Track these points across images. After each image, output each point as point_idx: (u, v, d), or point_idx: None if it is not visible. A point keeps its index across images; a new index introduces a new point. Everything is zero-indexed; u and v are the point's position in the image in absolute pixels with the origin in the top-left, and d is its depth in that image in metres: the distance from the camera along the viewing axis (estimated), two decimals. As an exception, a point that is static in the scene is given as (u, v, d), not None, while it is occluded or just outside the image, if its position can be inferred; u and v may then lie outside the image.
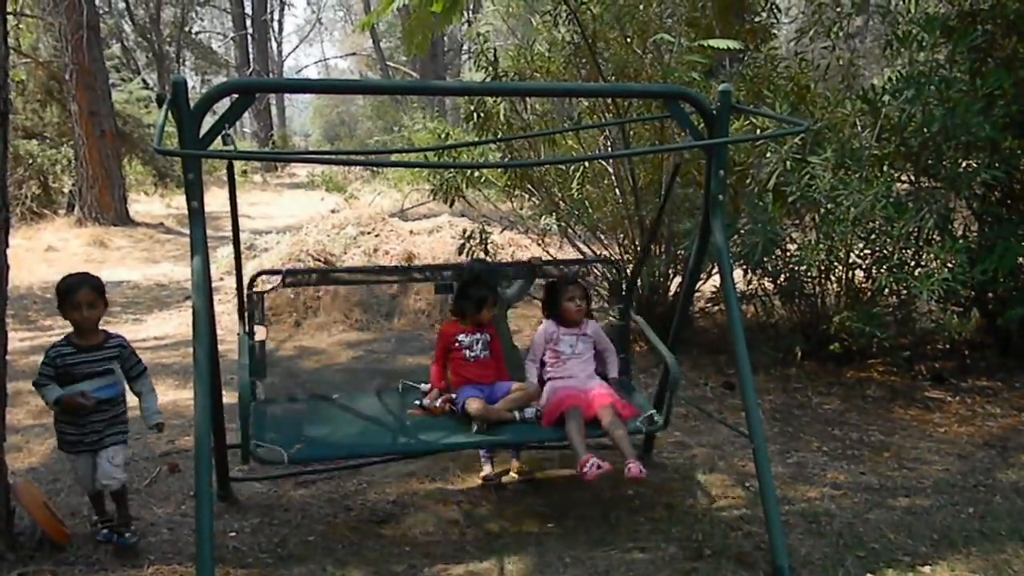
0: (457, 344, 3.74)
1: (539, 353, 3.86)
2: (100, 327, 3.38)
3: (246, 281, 3.62)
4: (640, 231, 6.08)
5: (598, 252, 6.54)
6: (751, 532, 3.45)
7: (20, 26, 15.59)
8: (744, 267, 5.52)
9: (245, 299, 3.59)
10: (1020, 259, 5.09)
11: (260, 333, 3.68)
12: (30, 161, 14.61)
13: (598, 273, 4.37)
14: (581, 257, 4.97)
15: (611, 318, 4.16)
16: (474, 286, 3.80)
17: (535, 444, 4.21)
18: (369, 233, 9.16)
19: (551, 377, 3.78)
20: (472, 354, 3.73)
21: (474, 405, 3.49)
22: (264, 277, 3.80)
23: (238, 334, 3.61)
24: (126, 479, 3.43)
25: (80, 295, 3.26)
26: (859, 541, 3.37)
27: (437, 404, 3.67)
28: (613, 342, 3.99)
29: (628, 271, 4.43)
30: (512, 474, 4.04)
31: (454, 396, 3.66)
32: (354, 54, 42.28)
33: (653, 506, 3.74)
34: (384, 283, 4.46)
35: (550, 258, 4.63)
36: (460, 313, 3.81)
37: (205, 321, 2.80)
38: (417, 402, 3.75)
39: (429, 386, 3.81)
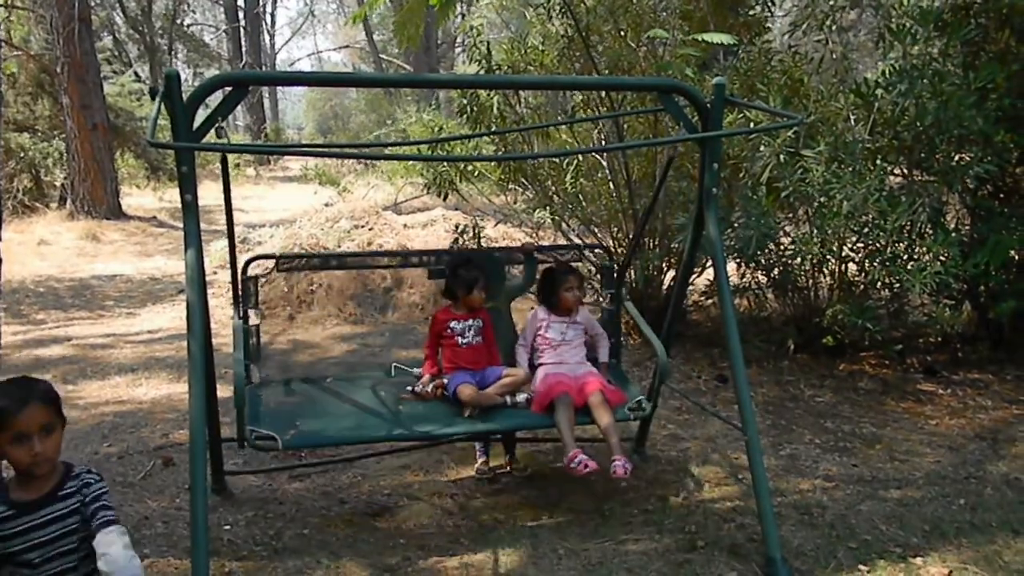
0: (449, 331, 3.74)
1: (529, 339, 3.87)
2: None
3: (240, 266, 3.61)
4: (635, 224, 6.08)
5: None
6: (744, 524, 3.46)
7: (11, 19, 15.51)
8: (738, 260, 5.53)
9: (239, 284, 3.58)
10: (1012, 252, 5.11)
11: (254, 318, 3.68)
12: (21, 154, 14.55)
13: (592, 262, 4.35)
14: (575, 243, 4.99)
15: (602, 304, 4.15)
16: (465, 267, 3.78)
17: (526, 434, 4.24)
18: (363, 227, 9.16)
19: (542, 363, 3.78)
20: (464, 341, 3.72)
21: (466, 392, 3.50)
22: (258, 262, 3.81)
23: (232, 320, 3.58)
24: None
25: (25, 417, 1.99)
26: (851, 532, 3.40)
27: (428, 390, 3.68)
28: (604, 327, 4.00)
29: (621, 259, 4.41)
30: (507, 469, 4.05)
31: (446, 381, 3.65)
32: (347, 47, 42.15)
33: (647, 498, 3.76)
34: (378, 268, 4.37)
35: (544, 244, 4.63)
36: (451, 295, 3.80)
37: (199, 315, 2.79)
38: (409, 388, 3.76)
39: (421, 371, 3.82)
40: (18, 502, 1.99)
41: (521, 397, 3.61)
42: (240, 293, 3.61)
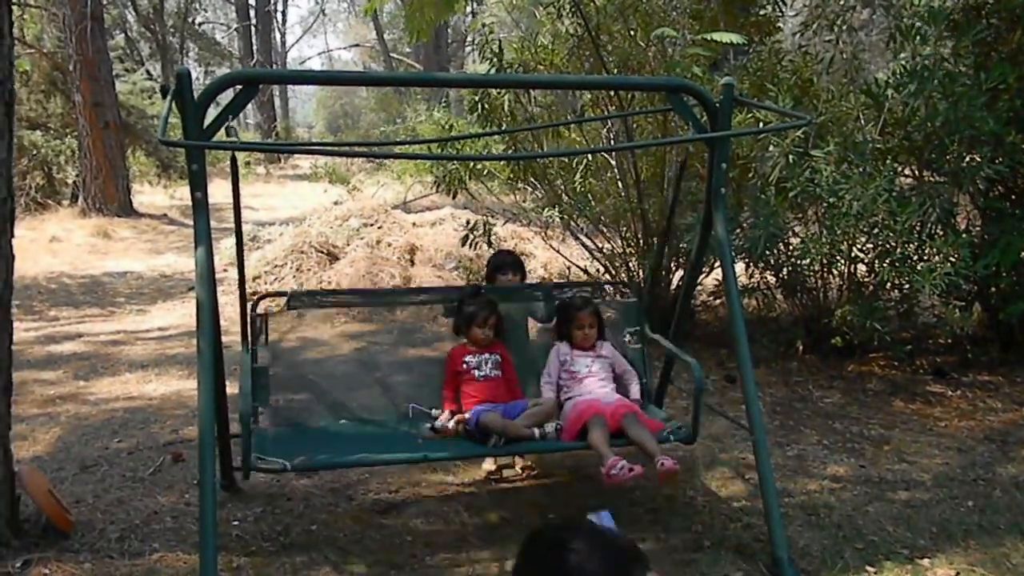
0: (465, 365, 3.61)
1: (554, 374, 3.71)
2: None
3: (250, 303, 3.52)
4: (643, 224, 6.08)
5: (600, 245, 6.54)
6: (750, 524, 3.46)
7: (24, 17, 15.61)
8: (746, 260, 5.52)
9: (248, 322, 3.49)
10: (1022, 254, 5.09)
11: (264, 357, 3.55)
12: (34, 152, 14.64)
13: (609, 294, 4.21)
14: (594, 279, 4.75)
15: (628, 344, 3.94)
16: (471, 301, 3.68)
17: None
18: (372, 225, 9.18)
19: (569, 396, 3.63)
20: (481, 374, 3.60)
21: (491, 416, 3.37)
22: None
23: (241, 357, 3.49)
24: None
25: None
26: (858, 533, 3.39)
27: (450, 425, 3.49)
28: (632, 366, 3.83)
29: (642, 290, 4.20)
30: (516, 469, 4.04)
31: (467, 415, 3.49)
32: (357, 45, 42.26)
33: (653, 497, 3.76)
34: (389, 306, 4.18)
35: (561, 281, 4.56)
36: (456, 330, 3.72)
37: (208, 312, 2.81)
38: (428, 426, 3.55)
39: (440, 411, 3.61)
40: None
41: (550, 427, 3.42)
42: (248, 330, 3.49)
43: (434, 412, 3.61)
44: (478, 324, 3.64)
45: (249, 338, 3.52)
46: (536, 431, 3.38)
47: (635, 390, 3.75)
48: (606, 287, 4.16)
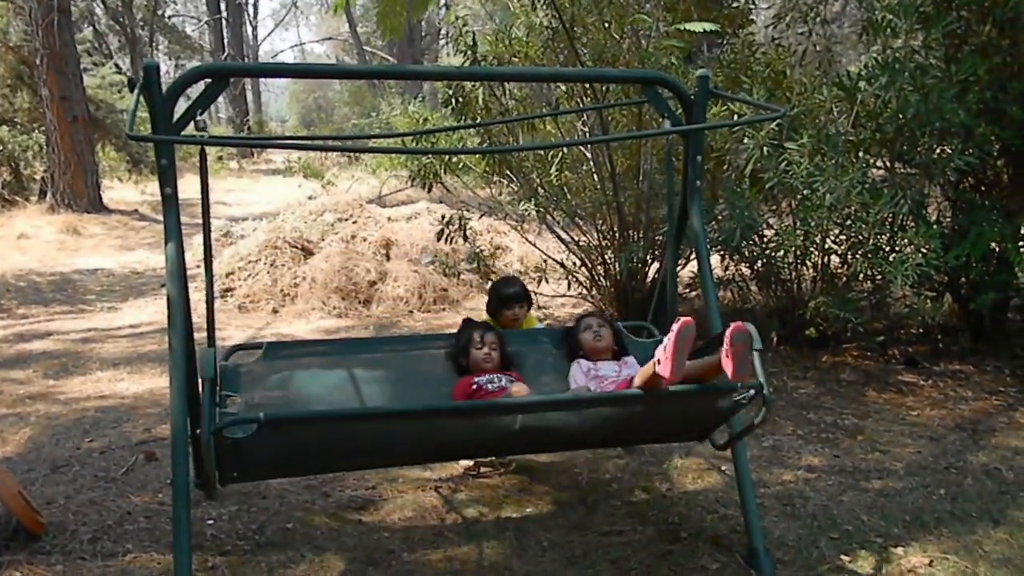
0: (475, 386, 3.19)
1: (583, 382, 3.28)
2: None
3: (220, 350, 3.07)
4: (619, 217, 6.09)
5: (576, 238, 6.54)
6: (727, 515, 3.48)
7: (-11, 9, 15.31)
8: (721, 253, 5.54)
9: (218, 372, 2.96)
10: (992, 244, 5.15)
11: (234, 406, 3.04)
12: (0, 148, 14.38)
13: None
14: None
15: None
16: (469, 326, 3.42)
17: None
18: (347, 220, 9.12)
19: None
20: (495, 386, 3.17)
21: (517, 388, 3.01)
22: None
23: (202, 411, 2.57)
24: None
25: None
26: (833, 523, 3.42)
27: None
28: None
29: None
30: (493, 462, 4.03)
31: None
32: (330, 39, 41.96)
33: (630, 490, 3.77)
34: (375, 354, 3.60)
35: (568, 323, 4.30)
36: (458, 368, 3.34)
37: (180, 309, 2.77)
38: None
39: None
40: None
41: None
42: (218, 382, 2.97)
43: None
44: (476, 347, 3.31)
45: (218, 393, 2.89)
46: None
47: None
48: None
